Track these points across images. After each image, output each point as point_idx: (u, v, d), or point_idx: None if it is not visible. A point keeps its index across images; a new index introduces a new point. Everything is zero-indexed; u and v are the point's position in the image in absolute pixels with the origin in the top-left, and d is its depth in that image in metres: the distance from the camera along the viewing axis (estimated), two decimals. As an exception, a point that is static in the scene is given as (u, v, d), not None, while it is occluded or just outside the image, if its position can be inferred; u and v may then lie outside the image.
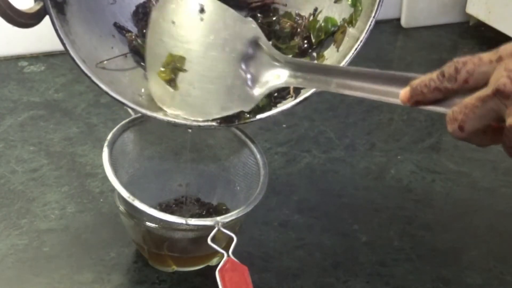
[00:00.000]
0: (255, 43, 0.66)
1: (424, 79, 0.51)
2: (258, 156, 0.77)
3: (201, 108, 0.69)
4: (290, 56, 0.72)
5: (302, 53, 0.73)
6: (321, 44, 0.72)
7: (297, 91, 0.70)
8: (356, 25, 0.70)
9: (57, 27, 0.66)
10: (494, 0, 1.29)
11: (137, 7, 0.76)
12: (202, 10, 0.67)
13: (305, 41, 0.73)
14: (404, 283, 0.76)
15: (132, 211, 0.72)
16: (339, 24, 0.72)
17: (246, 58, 0.67)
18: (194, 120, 0.69)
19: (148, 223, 0.71)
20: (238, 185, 0.79)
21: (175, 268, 0.75)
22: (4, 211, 0.83)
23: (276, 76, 0.65)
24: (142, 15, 0.75)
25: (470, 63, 0.49)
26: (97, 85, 0.68)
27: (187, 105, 0.69)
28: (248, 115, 0.70)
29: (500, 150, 1.06)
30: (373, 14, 0.68)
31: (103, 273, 0.75)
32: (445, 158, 0.98)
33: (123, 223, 0.75)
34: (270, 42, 0.70)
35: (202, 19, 0.68)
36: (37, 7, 0.66)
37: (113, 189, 0.73)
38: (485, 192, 0.91)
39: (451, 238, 0.83)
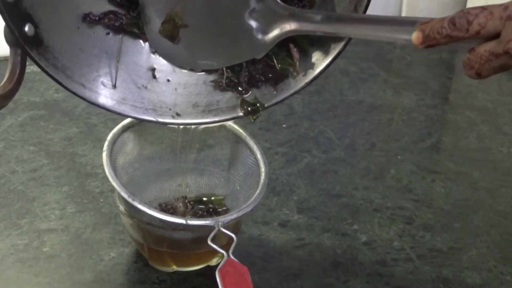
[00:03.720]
0: None
1: (435, 26, 0.54)
2: (258, 156, 0.77)
3: (208, 60, 0.69)
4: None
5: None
6: None
7: (303, 67, 0.69)
8: None
9: (44, 67, 0.65)
10: (494, 0, 1.29)
11: None
12: None
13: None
14: (404, 283, 0.76)
15: (132, 211, 0.72)
16: None
17: (251, 11, 0.66)
18: (199, 122, 0.70)
19: (148, 223, 0.71)
20: (238, 185, 0.79)
21: (175, 268, 0.75)
22: (4, 211, 0.83)
23: (284, 26, 0.65)
24: None
25: (481, 16, 0.52)
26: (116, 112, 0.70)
27: (193, 58, 0.69)
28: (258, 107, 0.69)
29: (500, 150, 1.06)
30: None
31: (103, 273, 0.75)
32: (445, 158, 0.98)
33: (123, 223, 0.75)
34: None
35: None
36: (10, 84, 0.62)
37: (113, 189, 0.73)
38: (485, 192, 0.91)
39: (451, 238, 0.83)
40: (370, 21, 0.60)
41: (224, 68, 0.70)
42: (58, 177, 0.90)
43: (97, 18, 0.70)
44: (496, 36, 0.52)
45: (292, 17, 0.64)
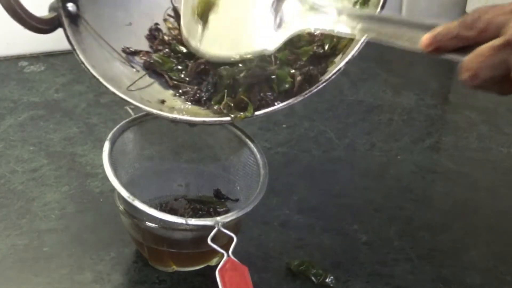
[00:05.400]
0: None
1: (445, 27, 0.52)
2: (258, 156, 0.77)
3: (228, 45, 0.72)
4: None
5: (315, 58, 0.73)
6: (333, 51, 0.72)
7: (301, 88, 0.70)
8: None
9: (69, 35, 0.69)
10: (494, 0, 1.29)
11: (150, 30, 0.78)
12: None
13: (320, 48, 0.73)
14: (404, 283, 0.76)
15: (132, 211, 0.72)
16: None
17: (274, 1, 0.69)
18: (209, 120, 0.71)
19: (148, 223, 0.71)
20: (238, 185, 0.79)
21: (175, 268, 0.75)
22: (4, 211, 0.83)
23: (304, 18, 0.67)
24: (156, 35, 0.78)
25: (491, 12, 0.50)
26: (112, 91, 0.70)
27: (216, 42, 0.73)
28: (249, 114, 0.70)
29: (500, 150, 1.06)
30: (378, 10, 0.68)
31: (103, 273, 0.75)
32: (445, 158, 0.98)
33: (123, 223, 0.75)
34: (286, 50, 0.72)
35: None
36: (51, 15, 0.68)
37: (113, 189, 0.73)
38: (485, 192, 0.91)
39: (451, 238, 0.83)
40: (386, 22, 0.59)
41: (225, 96, 0.72)
42: (58, 177, 0.90)
43: (133, 51, 0.76)
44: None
45: (311, 11, 0.66)
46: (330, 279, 0.74)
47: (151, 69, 0.76)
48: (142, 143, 0.79)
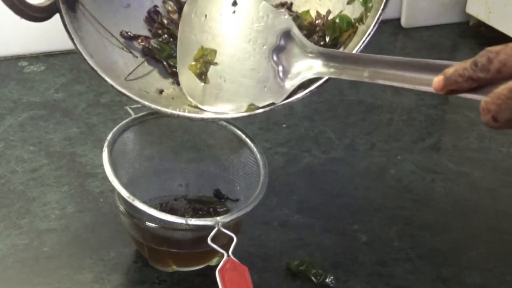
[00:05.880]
0: (287, 34, 0.66)
1: (457, 68, 0.52)
2: (258, 156, 0.77)
3: (231, 102, 0.69)
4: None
5: None
6: (335, 43, 0.71)
7: (302, 85, 0.69)
8: (365, 22, 0.69)
9: (66, 22, 0.68)
10: (494, 0, 1.29)
11: (148, 12, 0.77)
12: (234, 3, 0.68)
13: (321, 39, 0.72)
14: (404, 283, 0.76)
15: (132, 211, 0.72)
16: (353, 22, 0.71)
17: (278, 50, 0.66)
18: (218, 114, 0.69)
19: (148, 223, 0.71)
20: (238, 185, 0.79)
21: (175, 268, 0.75)
22: (4, 211, 0.83)
23: (308, 67, 0.65)
24: (155, 18, 0.77)
25: (502, 53, 0.49)
26: (110, 84, 0.69)
27: (218, 99, 0.70)
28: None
29: (500, 150, 1.06)
30: (381, 7, 0.66)
31: (103, 273, 0.75)
32: (445, 158, 0.98)
33: (123, 223, 0.75)
34: None
35: (234, 12, 0.69)
36: (48, 2, 0.67)
37: (113, 189, 0.73)
38: (485, 192, 0.91)
39: (451, 238, 0.83)
40: (395, 66, 0.58)
41: None
42: (58, 177, 0.90)
43: (132, 35, 0.75)
44: None
45: (318, 55, 0.64)
46: (330, 279, 0.74)
47: (150, 55, 0.75)
48: (142, 143, 0.79)
